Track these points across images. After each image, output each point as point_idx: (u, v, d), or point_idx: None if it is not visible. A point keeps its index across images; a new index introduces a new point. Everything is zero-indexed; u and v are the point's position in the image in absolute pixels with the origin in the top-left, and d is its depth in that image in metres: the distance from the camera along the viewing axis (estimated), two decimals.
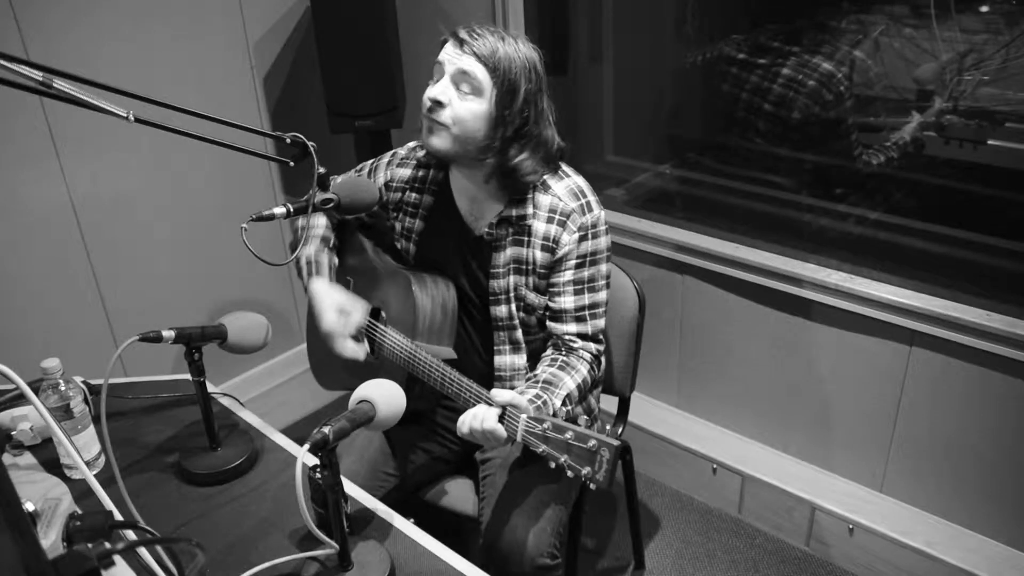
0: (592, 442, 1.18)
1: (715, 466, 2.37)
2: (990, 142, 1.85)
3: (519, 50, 1.43)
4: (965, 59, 1.82)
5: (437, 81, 1.46)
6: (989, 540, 2.01)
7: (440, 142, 1.46)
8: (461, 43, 1.42)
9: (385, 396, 1.16)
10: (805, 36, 2.06)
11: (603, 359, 1.59)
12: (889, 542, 2.05)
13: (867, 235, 2.11)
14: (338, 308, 1.58)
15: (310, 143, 1.27)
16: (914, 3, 1.87)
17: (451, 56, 1.43)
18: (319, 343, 1.65)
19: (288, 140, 1.28)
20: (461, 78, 1.42)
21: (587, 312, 1.54)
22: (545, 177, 1.53)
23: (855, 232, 2.13)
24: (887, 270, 2.02)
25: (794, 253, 2.16)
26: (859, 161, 2.05)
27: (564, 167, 1.57)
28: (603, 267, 1.55)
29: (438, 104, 1.43)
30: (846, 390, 2.15)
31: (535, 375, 1.49)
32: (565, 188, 1.53)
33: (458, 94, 1.43)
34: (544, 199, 1.52)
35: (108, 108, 1.08)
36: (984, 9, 1.79)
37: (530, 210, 1.52)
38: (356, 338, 1.59)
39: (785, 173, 2.23)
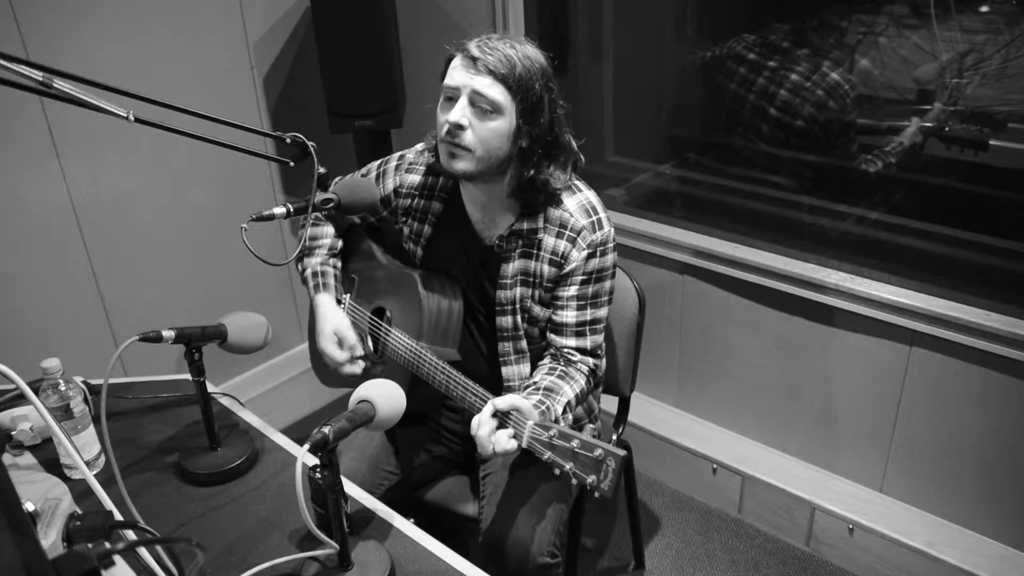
0: (598, 451, 1.18)
1: (715, 466, 2.37)
2: (990, 142, 1.85)
3: (532, 58, 1.39)
4: (965, 59, 1.81)
5: (449, 101, 1.40)
6: (989, 540, 2.01)
7: (464, 165, 1.42)
8: (474, 60, 1.36)
9: (385, 396, 1.16)
10: (806, 37, 2.06)
11: (599, 373, 1.59)
12: (889, 542, 2.05)
13: (867, 235, 2.11)
14: (336, 333, 1.61)
15: (310, 143, 1.27)
16: (914, 3, 1.87)
17: (465, 76, 1.37)
18: None
19: (288, 140, 1.28)
20: (479, 98, 1.37)
21: (587, 327, 1.54)
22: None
23: (855, 232, 2.13)
24: (887, 270, 2.02)
25: (794, 254, 2.15)
26: (860, 165, 2.05)
27: (576, 180, 1.54)
28: (608, 284, 1.54)
29: (459, 127, 1.38)
30: (846, 390, 2.15)
31: (535, 382, 1.48)
32: (577, 203, 1.51)
33: (477, 114, 1.38)
34: (555, 213, 1.50)
35: (108, 108, 1.08)
36: (984, 9, 1.79)
37: (541, 223, 1.50)
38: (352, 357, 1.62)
39: (786, 174, 2.23)
